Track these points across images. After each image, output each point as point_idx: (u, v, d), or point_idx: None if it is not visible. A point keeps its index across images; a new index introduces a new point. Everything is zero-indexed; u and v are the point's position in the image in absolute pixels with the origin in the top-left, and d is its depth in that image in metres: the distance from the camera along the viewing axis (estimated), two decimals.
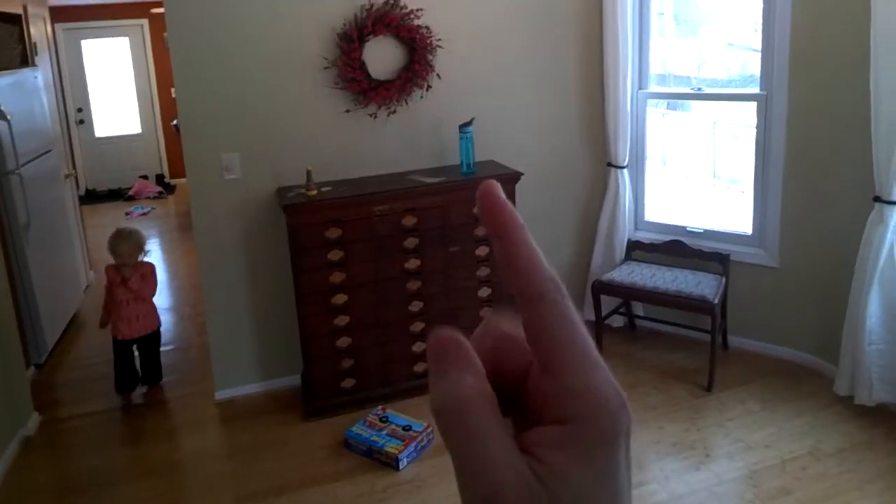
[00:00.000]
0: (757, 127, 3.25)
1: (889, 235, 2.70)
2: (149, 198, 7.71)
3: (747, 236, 3.31)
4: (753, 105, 3.25)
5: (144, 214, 7.16)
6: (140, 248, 3.22)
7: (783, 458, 2.55)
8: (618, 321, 3.55)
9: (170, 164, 8.20)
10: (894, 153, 2.62)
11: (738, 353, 3.28)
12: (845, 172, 2.91)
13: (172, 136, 7.53)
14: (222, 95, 2.96)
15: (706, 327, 3.03)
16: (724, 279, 3.15)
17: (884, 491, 2.36)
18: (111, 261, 3.22)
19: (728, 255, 3.22)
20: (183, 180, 6.69)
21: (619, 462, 0.25)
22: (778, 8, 3.01)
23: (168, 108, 7.55)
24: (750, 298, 3.25)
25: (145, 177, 8.06)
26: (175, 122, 6.33)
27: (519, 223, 0.27)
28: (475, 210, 0.28)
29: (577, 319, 0.25)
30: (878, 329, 2.72)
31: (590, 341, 0.25)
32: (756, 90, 3.23)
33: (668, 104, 4.44)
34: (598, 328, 3.27)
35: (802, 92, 3.01)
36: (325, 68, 3.06)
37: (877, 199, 2.72)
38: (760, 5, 3.10)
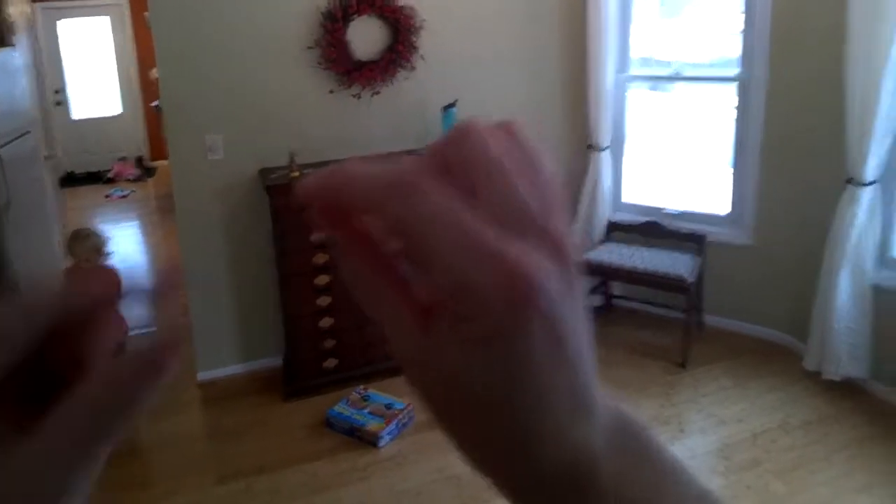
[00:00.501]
0: (736, 109, 3.30)
1: (860, 216, 2.77)
2: (129, 180, 7.63)
3: (724, 217, 3.37)
4: (734, 87, 3.30)
5: (124, 197, 7.09)
6: (97, 251, 3.04)
7: (754, 432, 2.64)
8: (596, 300, 3.62)
9: (150, 146, 8.11)
10: (866, 136, 2.68)
11: (712, 331, 3.36)
12: (820, 154, 2.97)
13: (153, 118, 7.45)
14: (205, 76, 2.94)
15: (682, 306, 3.10)
16: (700, 259, 3.22)
17: (848, 460, 2.45)
18: None
19: (704, 236, 3.29)
20: (163, 163, 6.64)
21: (523, 360, 0.22)
22: None
23: (149, 89, 7.45)
24: (725, 278, 3.32)
25: (125, 159, 7.97)
26: (156, 103, 6.26)
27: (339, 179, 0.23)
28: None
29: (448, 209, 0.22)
30: (846, 307, 2.80)
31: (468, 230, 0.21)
32: (736, 72, 3.27)
33: (650, 85, 4.48)
34: None
35: (781, 75, 3.05)
36: (309, 48, 3.06)
37: (849, 180, 2.78)
38: None
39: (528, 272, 0.21)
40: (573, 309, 0.23)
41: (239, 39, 2.95)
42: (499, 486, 0.26)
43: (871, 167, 2.72)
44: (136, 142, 8.16)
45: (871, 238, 2.79)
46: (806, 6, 2.92)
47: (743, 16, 3.18)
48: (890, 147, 2.71)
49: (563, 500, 0.24)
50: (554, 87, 3.57)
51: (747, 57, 3.18)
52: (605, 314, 3.61)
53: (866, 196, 2.76)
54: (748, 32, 3.16)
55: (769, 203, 3.19)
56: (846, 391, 2.84)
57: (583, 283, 0.24)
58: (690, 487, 0.26)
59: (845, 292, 2.80)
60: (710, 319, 3.41)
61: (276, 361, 3.17)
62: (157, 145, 7.49)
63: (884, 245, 2.84)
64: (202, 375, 3.16)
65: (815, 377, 2.91)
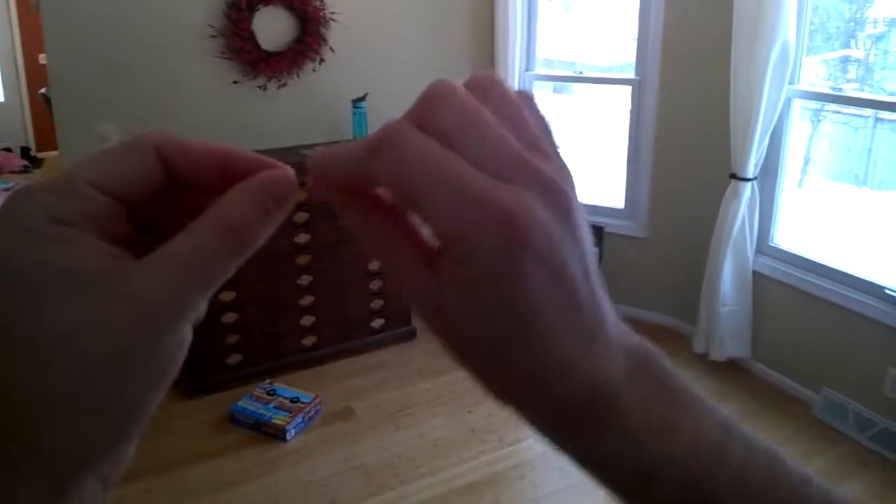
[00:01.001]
0: (630, 110, 3.49)
1: (742, 209, 3.01)
2: (13, 172, 7.06)
3: (620, 210, 3.57)
4: (629, 89, 3.49)
5: (7, 190, 6.57)
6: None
7: None
8: None
9: (37, 136, 7.54)
10: (748, 136, 2.92)
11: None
12: (707, 152, 3.20)
13: (40, 106, 6.93)
14: (98, 62, 2.78)
15: None
16: (598, 249, 3.39)
17: None
18: None
19: (602, 228, 3.46)
20: (52, 153, 6.20)
21: (519, 296, 0.22)
22: None
23: (35, 75, 6.92)
24: (621, 267, 3.51)
25: (9, 150, 7.37)
26: (44, 90, 5.84)
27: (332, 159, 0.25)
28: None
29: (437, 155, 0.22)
30: (729, 292, 3.04)
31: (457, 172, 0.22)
32: (631, 75, 3.46)
33: (554, 87, 4.66)
34: None
35: (672, 77, 3.27)
36: (212, 37, 2.96)
37: (732, 176, 3.02)
38: None
39: (517, 212, 0.22)
40: (572, 246, 0.23)
41: (135, 25, 2.82)
42: (528, 419, 0.27)
43: (752, 165, 2.97)
44: (22, 131, 7.57)
45: (750, 229, 3.05)
46: (695, 15, 3.14)
47: (637, 22, 3.37)
48: (767, 146, 2.97)
49: (587, 430, 0.25)
50: (464, 80, 3.63)
51: (641, 61, 3.38)
52: None
53: (747, 191, 3.01)
54: (642, 38, 3.35)
55: (661, 198, 3.41)
56: (730, 371, 3.09)
57: (585, 222, 0.25)
58: (715, 415, 0.27)
59: (728, 279, 3.04)
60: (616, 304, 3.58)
61: None
62: (45, 135, 6.97)
63: (762, 234, 3.11)
64: None
65: (703, 359, 3.14)
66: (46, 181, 0.23)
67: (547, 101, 4.11)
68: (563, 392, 0.24)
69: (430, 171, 0.22)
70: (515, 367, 0.24)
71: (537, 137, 0.24)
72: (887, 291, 2.58)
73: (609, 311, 0.25)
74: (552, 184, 0.23)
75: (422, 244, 0.25)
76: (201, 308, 0.25)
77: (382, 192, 0.26)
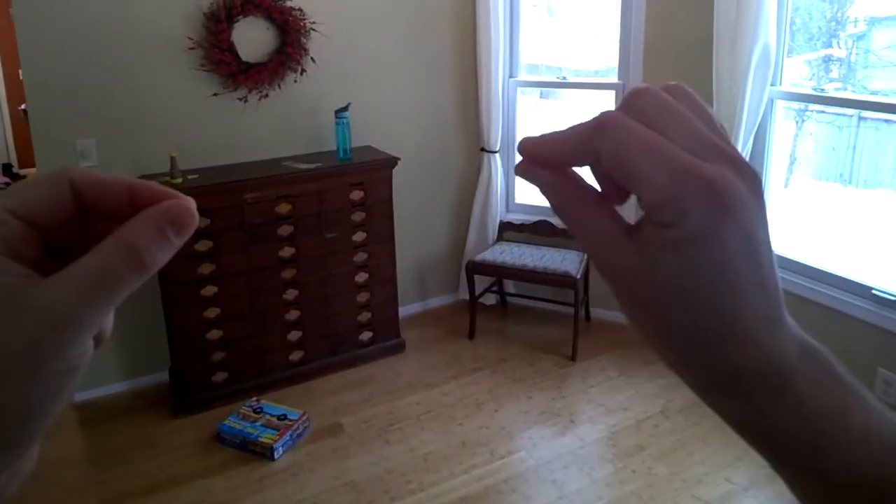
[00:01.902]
0: None
1: None
2: None
3: None
4: (612, 93, 3.48)
5: None
6: None
7: (638, 419, 2.79)
8: (491, 299, 3.70)
9: (18, 152, 7.45)
10: (732, 137, 2.92)
11: (599, 324, 3.53)
12: None
13: (21, 122, 6.85)
14: (76, 76, 2.74)
15: (570, 301, 3.24)
16: (586, 256, 3.37)
17: (720, 439, 2.64)
18: None
19: None
20: (34, 170, 6.12)
21: (720, 254, 0.26)
22: (634, 2, 3.24)
23: (15, 90, 6.85)
24: None
25: None
26: (23, 106, 5.76)
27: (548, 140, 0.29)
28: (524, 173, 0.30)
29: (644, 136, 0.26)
30: None
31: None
32: (614, 80, 3.46)
33: (540, 93, 4.65)
34: (472, 306, 3.40)
35: (654, 81, 3.21)
36: (191, 49, 2.92)
37: None
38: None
39: (726, 183, 0.25)
40: (762, 220, 0.27)
41: (113, 38, 2.77)
42: (693, 382, 0.29)
43: None
44: (2, 148, 7.48)
45: None
46: (676, 19, 3.14)
47: (619, 27, 3.36)
48: (752, 148, 2.97)
49: (758, 399, 0.28)
50: (447, 90, 3.62)
51: (623, 65, 3.37)
52: (500, 312, 3.70)
53: None
54: (624, 42, 3.35)
55: None
56: None
57: (766, 208, 0.28)
58: (875, 405, 0.29)
59: None
60: (596, 312, 3.58)
61: (161, 377, 3.00)
62: (27, 152, 6.89)
63: None
64: (79, 395, 2.93)
65: None
66: None
67: (532, 108, 4.10)
68: (741, 360, 0.27)
69: (648, 148, 0.26)
70: (703, 326, 0.27)
71: (720, 130, 0.28)
72: (875, 292, 2.58)
73: (782, 299, 0.28)
74: (744, 164, 0.27)
75: (620, 219, 0.29)
76: (106, 323, 0.28)
77: (579, 178, 0.30)
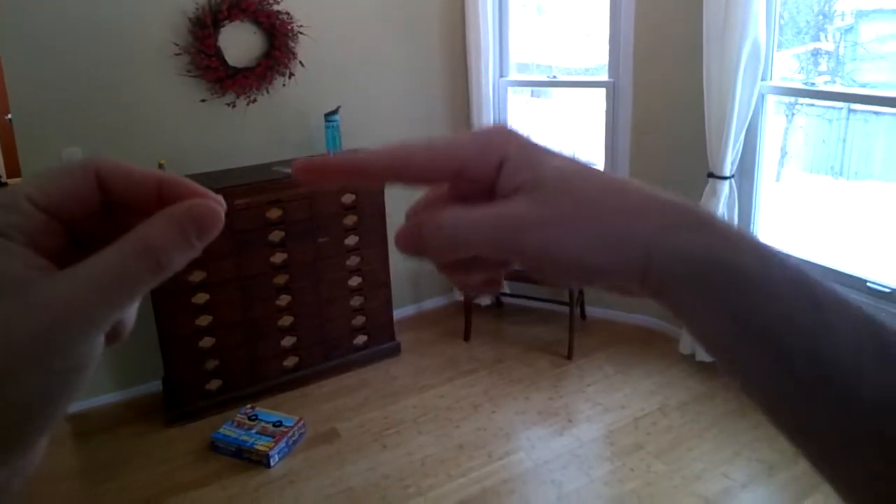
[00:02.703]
0: (606, 112, 3.48)
1: (720, 207, 3.00)
2: None
3: None
4: (603, 91, 3.48)
5: None
6: None
7: (636, 416, 2.78)
8: (486, 300, 3.68)
9: (6, 162, 7.38)
10: (723, 135, 2.92)
11: (595, 323, 3.52)
12: (684, 152, 3.20)
13: (7, 131, 6.78)
14: (61, 84, 2.71)
15: (566, 300, 3.23)
16: None
17: (718, 435, 2.64)
18: None
19: None
20: (20, 180, 6.07)
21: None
22: (623, 1, 3.23)
23: (1, 99, 6.80)
24: None
25: None
26: (9, 116, 5.70)
27: (345, 158, 0.29)
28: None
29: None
30: None
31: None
32: (605, 78, 3.45)
33: (532, 92, 4.64)
34: (467, 308, 3.38)
35: (645, 79, 3.25)
36: (177, 55, 2.89)
37: (710, 174, 3.01)
38: None
39: (498, 126, 0.30)
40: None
41: (97, 45, 2.75)
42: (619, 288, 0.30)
43: (729, 162, 2.96)
44: None
45: None
46: (665, 16, 3.13)
47: (609, 24, 3.35)
48: (744, 143, 2.97)
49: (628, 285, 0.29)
50: (437, 91, 3.60)
51: (613, 63, 3.36)
52: (496, 312, 3.68)
53: (725, 188, 3.00)
54: (614, 40, 3.34)
55: None
56: (717, 370, 3.07)
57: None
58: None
59: None
60: (592, 311, 3.57)
61: (154, 387, 2.97)
62: (14, 161, 6.84)
63: None
64: (70, 408, 2.89)
65: (689, 359, 3.12)
66: None
67: (524, 106, 4.09)
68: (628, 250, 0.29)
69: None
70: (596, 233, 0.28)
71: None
72: (869, 285, 2.57)
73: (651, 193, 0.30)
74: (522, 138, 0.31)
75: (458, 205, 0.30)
76: (126, 319, 0.27)
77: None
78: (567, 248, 0.28)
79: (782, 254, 0.28)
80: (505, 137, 0.29)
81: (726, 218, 3.02)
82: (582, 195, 0.28)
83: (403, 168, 0.29)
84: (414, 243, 0.29)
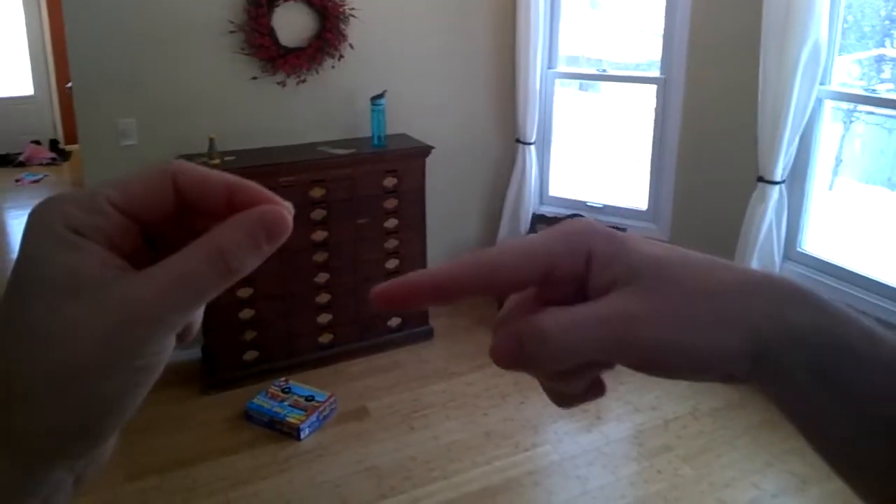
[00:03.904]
0: (655, 109, 3.42)
1: (769, 213, 2.93)
2: (42, 164, 7.19)
3: (643, 211, 3.50)
4: (654, 87, 3.41)
5: (36, 182, 6.69)
6: None
7: (666, 419, 2.75)
8: None
9: (65, 129, 7.65)
10: (776, 138, 2.83)
11: None
12: (733, 154, 3.12)
13: (68, 100, 7.02)
14: (118, 56, 2.79)
15: None
16: None
17: (749, 444, 2.59)
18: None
19: (625, 229, 3.38)
20: (77, 146, 6.28)
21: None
22: None
23: (64, 68, 7.02)
24: None
25: (38, 142, 7.50)
26: (70, 84, 5.90)
27: (426, 276, 0.28)
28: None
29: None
30: None
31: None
32: (657, 74, 3.38)
33: (580, 85, 4.58)
34: (501, 297, 3.37)
35: (698, 77, 3.18)
36: (231, 32, 2.95)
37: (760, 179, 2.93)
38: None
39: (585, 221, 0.30)
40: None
41: (155, 20, 2.82)
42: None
43: (780, 167, 2.88)
44: (50, 124, 7.69)
45: (778, 233, 2.96)
46: (723, 13, 3.05)
47: (664, 20, 3.29)
48: (797, 148, 2.88)
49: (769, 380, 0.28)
50: (483, 80, 3.59)
51: (667, 59, 3.30)
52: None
53: (775, 194, 2.92)
54: (668, 36, 3.27)
55: (685, 199, 3.33)
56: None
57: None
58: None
59: None
60: None
61: (194, 353, 3.05)
62: (73, 128, 7.06)
63: (790, 240, 3.01)
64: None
65: None
66: (76, 193, 0.26)
67: (571, 99, 4.04)
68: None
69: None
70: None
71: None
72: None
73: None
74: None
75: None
76: (195, 319, 0.28)
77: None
78: (681, 339, 0.27)
79: (883, 330, 0.27)
80: (586, 231, 0.29)
81: (775, 225, 2.94)
82: (683, 281, 0.27)
83: (490, 279, 0.28)
84: (515, 355, 0.27)
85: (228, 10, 2.92)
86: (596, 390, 0.32)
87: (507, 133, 3.67)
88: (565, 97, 3.90)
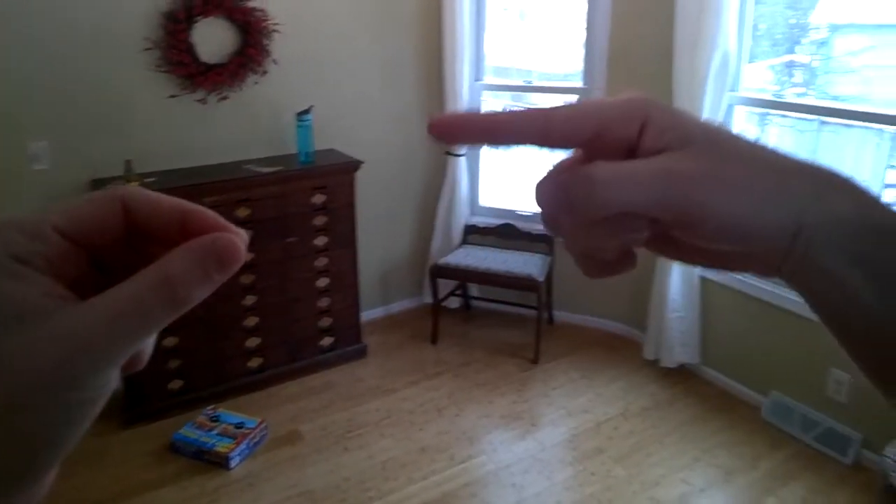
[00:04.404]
0: None
1: None
2: None
3: None
4: (577, 98, 3.50)
5: None
6: None
7: (598, 421, 2.80)
8: (454, 303, 3.69)
9: None
10: None
11: (562, 327, 3.55)
12: None
13: None
14: (28, 76, 2.66)
15: (534, 304, 3.24)
16: (549, 258, 3.38)
17: (678, 441, 2.67)
18: None
19: (553, 237, 3.46)
20: None
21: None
22: (599, 7, 3.25)
23: None
24: (573, 275, 3.51)
25: None
26: None
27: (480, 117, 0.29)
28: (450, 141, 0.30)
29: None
30: (677, 299, 3.06)
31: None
32: (579, 84, 3.47)
33: (513, 97, 4.66)
34: (436, 310, 3.39)
35: (618, 87, 3.27)
36: (148, 49, 2.86)
37: None
38: (586, 5, 3.33)
39: (638, 95, 0.29)
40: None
41: (67, 37, 2.70)
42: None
43: None
44: None
45: None
46: (639, 25, 3.17)
47: (585, 31, 3.38)
48: None
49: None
50: (412, 93, 3.60)
51: (588, 70, 3.39)
52: (464, 315, 3.69)
53: None
54: (589, 47, 3.36)
55: None
56: (680, 377, 3.10)
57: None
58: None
59: (676, 285, 3.06)
60: (559, 315, 3.59)
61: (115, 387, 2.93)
62: None
63: None
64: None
65: (653, 365, 3.15)
66: (19, 218, 0.25)
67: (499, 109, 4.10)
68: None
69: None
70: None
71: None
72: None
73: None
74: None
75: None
76: (144, 348, 0.28)
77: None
78: (729, 200, 0.27)
79: None
80: (645, 101, 0.29)
81: None
82: (734, 151, 0.28)
83: (544, 128, 0.28)
84: (561, 197, 0.28)
85: (144, 25, 2.83)
86: (627, 261, 0.31)
87: (437, 146, 3.69)
88: (498, 108, 3.94)
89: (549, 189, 0.29)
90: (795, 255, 0.28)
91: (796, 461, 2.57)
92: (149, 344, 0.28)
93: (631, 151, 0.28)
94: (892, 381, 0.29)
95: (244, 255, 0.26)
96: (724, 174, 0.27)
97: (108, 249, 0.27)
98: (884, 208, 0.28)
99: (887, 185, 3.71)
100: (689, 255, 0.30)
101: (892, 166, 3.68)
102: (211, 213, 0.27)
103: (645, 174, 0.27)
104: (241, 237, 0.27)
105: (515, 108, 0.29)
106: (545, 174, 0.30)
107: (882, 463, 2.16)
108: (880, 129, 3.46)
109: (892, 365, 0.28)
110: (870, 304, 0.27)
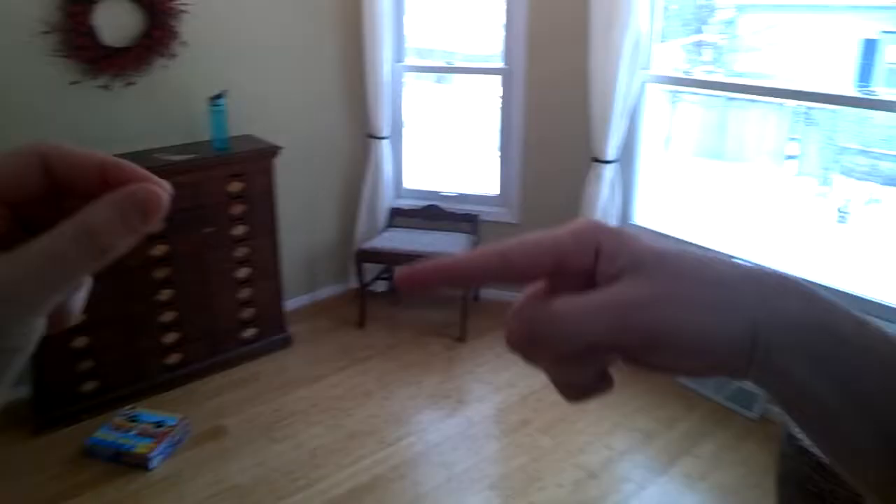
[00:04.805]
0: (501, 98, 3.53)
1: (603, 190, 3.13)
2: None
3: (494, 197, 3.62)
4: (499, 78, 3.52)
5: None
6: None
7: (524, 394, 2.87)
8: (382, 286, 3.68)
9: None
10: (606, 121, 3.03)
11: (488, 304, 3.59)
12: (571, 137, 3.30)
13: None
14: None
15: None
16: (474, 238, 3.42)
17: (600, 408, 2.77)
18: None
19: (477, 216, 3.50)
20: None
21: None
22: None
23: None
24: None
25: None
26: None
27: (447, 262, 0.30)
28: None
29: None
30: None
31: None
32: (500, 65, 3.49)
33: (437, 78, 4.64)
34: (362, 295, 3.37)
35: (537, 67, 3.33)
36: (45, 33, 2.68)
37: (594, 159, 3.13)
38: None
39: (592, 221, 0.31)
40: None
41: None
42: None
43: (612, 147, 3.08)
44: None
45: (613, 209, 3.17)
46: (556, 8, 3.22)
47: (504, 12, 3.40)
48: (625, 130, 3.09)
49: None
50: (331, 76, 3.53)
51: (509, 50, 3.41)
52: (391, 298, 3.68)
53: (608, 173, 3.12)
54: (509, 27, 3.39)
55: (531, 183, 3.48)
56: None
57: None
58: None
59: None
60: (485, 292, 3.64)
61: (22, 392, 2.77)
62: None
63: (624, 214, 3.24)
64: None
65: None
66: None
67: (420, 91, 4.08)
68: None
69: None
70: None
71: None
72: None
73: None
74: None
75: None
76: (72, 304, 0.28)
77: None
78: (683, 321, 0.28)
79: (872, 321, 0.29)
80: (595, 229, 0.30)
81: (610, 201, 3.15)
82: (683, 271, 0.29)
83: (501, 268, 0.30)
84: (526, 337, 0.29)
85: (41, 7, 2.65)
86: (605, 383, 0.32)
87: (359, 128, 3.64)
88: (421, 90, 3.92)
89: (516, 327, 0.29)
90: (757, 360, 0.28)
91: (710, 420, 2.71)
92: (76, 302, 0.28)
93: (591, 277, 0.30)
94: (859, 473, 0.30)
95: (166, 205, 0.26)
96: (676, 294, 0.28)
97: (30, 206, 0.27)
98: (835, 309, 0.29)
99: (788, 157, 3.93)
100: (662, 370, 0.31)
101: (793, 138, 3.91)
102: (132, 165, 0.27)
103: (598, 305, 0.28)
104: (162, 187, 0.27)
105: (477, 250, 0.31)
106: (512, 308, 0.31)
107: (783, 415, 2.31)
108: (780, 104, 3.65)
109: (858, 463, 0.29)
110: (828, 403, 0.28)
